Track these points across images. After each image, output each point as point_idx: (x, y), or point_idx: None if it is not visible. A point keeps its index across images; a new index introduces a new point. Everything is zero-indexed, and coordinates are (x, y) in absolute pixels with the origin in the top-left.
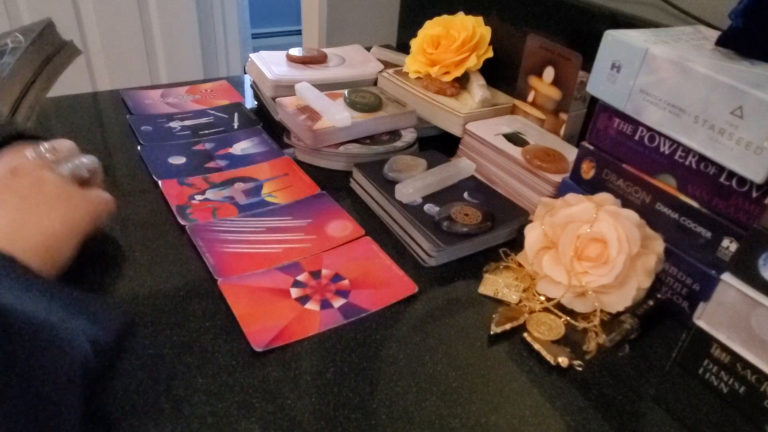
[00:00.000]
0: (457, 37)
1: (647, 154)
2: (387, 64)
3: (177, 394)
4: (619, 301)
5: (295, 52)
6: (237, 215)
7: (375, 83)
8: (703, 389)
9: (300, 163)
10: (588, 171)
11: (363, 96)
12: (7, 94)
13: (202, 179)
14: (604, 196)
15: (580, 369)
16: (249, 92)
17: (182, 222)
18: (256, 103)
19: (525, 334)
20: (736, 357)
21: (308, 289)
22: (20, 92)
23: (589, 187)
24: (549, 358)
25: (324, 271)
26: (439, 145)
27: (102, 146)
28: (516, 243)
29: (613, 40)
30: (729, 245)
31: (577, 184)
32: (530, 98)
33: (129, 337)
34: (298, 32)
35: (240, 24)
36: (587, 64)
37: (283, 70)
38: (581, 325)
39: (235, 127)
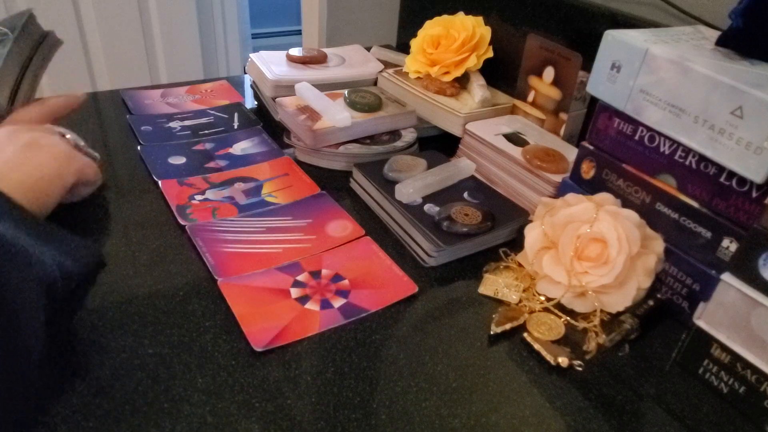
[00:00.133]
0: (457, 37)
1: (647, 154)
2: (387, 64)
3: (177, 393)
4: (619, 301)
5: (295, 52)
6: (237, 215)
7: (375, 83)
8: (703, 389)
9: (300, 163)
10: (588, 171)
11: (363, 96)
12: (2, 85)
13: (202, 179)
14: (604, 196)
15: (580, 369)
16: (249, 92)
17: (182, 222)
18: (256, 103)
19: (525, 334)
20: (736, 357)
21: (308, 289)
22: (14, 83)
23: (589, 187)
24: (549, 358)
25: (324, 271)
26: (439, 145)
27: (102, 146)
28: (516, 243)
29: (613, 40)
30: (729, 245)
31: (577, 184)
32: (530, 98)
33: (98, 273)
34: (298, 32)
35: (240, 24)
36: (587, 64)
37: (283, 70)
38: (581, 325)
39: (235, 127)
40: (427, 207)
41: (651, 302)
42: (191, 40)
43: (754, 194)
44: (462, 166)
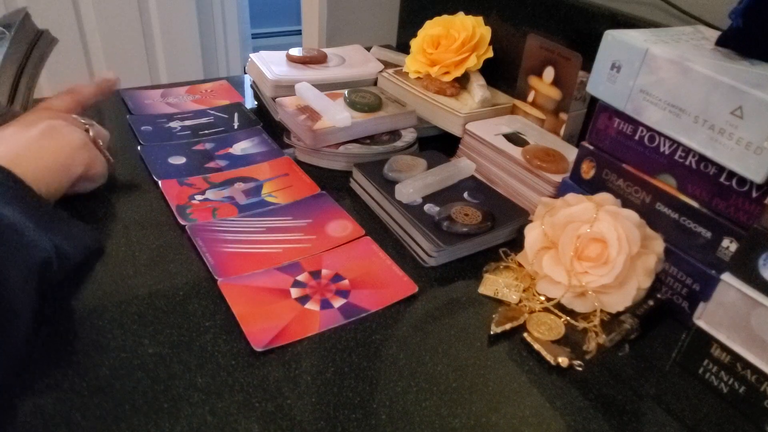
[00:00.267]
0: (457, 37)
1: (647, 154)
2: (387, 64)
3: (176, 393)
4: (619, 301)
5: (295, 52)
6: (237, 215)
7: (375, 83)
8: (703, 389)
9: (300, 163)
10: (588, 171)
11: (363, 96)
12: (2, 84)
13: (202, 179)
14: (604, 196)
15: (580, 369)
16: (249, 92)
17: (182, 222)
18: (256, 103)
19: (525, 334)
20: (736, 357)
21: (308, 289)
22: (13, 82)
23: (589, 187)
24: (549, 358)
25: (324, 271)
26: (439, 145)
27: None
28: (516, 243)
29: (613, 40)
30: (729, 245)
31: (577, 184)
32: (530, 98)
33: (94, 257)
34: (298, 32)
35: (240, 24)
36: (587, 64)
37: (283, 70)
38: (581, 325)
39: (235, 127)
40: (427, 207)
41: (651, 302)
42: (191, 40)
43: (754, 194)
44: (462, 166)
